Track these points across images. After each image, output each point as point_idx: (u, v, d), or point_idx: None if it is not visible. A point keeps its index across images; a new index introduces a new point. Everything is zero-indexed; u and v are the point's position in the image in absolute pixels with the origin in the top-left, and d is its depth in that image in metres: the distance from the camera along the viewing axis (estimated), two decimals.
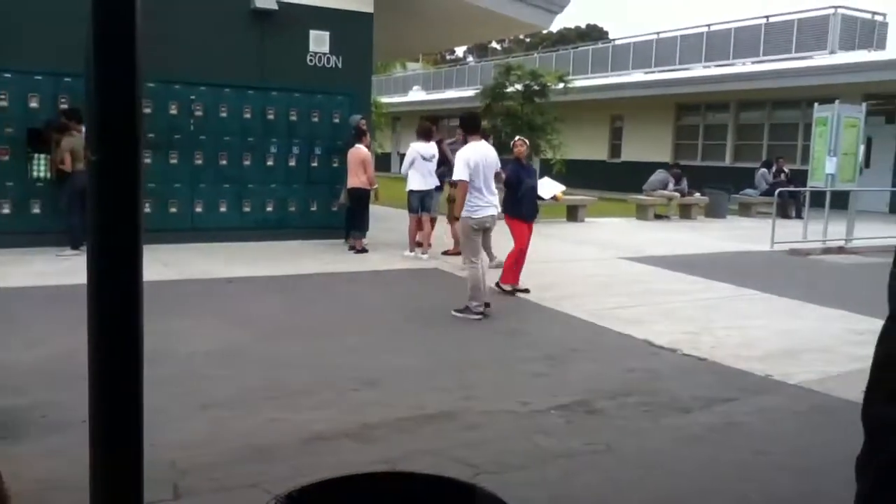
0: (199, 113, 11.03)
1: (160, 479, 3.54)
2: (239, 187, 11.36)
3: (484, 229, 7.34)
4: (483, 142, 7.55)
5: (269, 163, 11.54)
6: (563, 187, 11.07)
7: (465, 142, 9.86)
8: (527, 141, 8.89)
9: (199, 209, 11.15)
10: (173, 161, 10.91)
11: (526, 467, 3.91)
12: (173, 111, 10.86)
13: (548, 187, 10.52)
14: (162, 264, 9.04)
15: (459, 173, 7.09)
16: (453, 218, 10.57)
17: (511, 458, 4.02)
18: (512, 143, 8.83)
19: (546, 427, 4.48)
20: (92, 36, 1.44)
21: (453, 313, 7.11)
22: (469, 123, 7.65)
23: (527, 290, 8.22)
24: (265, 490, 3.28)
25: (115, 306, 1.53)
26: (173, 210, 10.97)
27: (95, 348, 1.52)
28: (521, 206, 8.11)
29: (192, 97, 10.99)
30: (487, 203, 7.19)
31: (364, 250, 10.65)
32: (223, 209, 11.29)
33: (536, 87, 20.29)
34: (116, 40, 1.45)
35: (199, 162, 11.08)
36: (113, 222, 1.51)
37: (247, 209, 11.44)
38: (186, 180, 11.04)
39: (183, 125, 10.95)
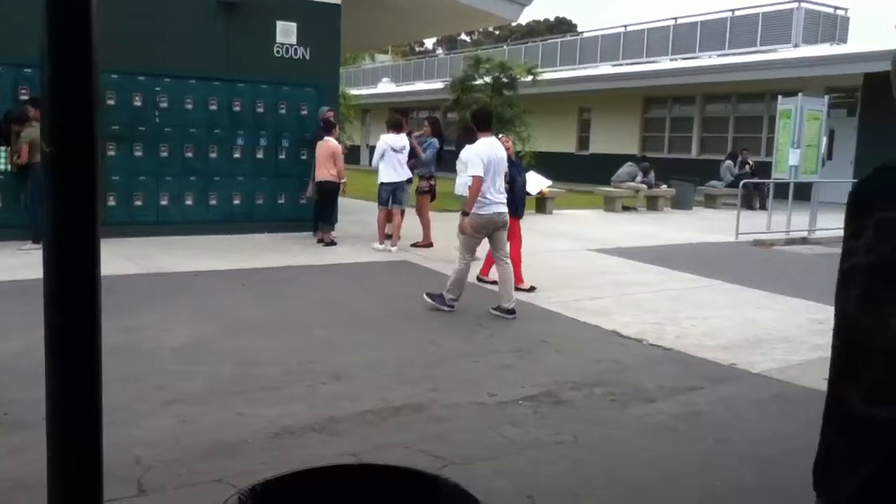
0: (164, 105, 10.88)
1: (124, 475, 3.51)
2: (205, 180, 11.23)
3: (495, 228, 7.06)
4: (493, 138, 7.37)
5: (236, 155, 11.42)
6: (549, 182, 11.09)
7: (465, 137, 9.80)
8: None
9: (164, 202, 11.01)
10: (138, 154, 10.76)
11: (493, 458, 3.94)
12: (137, 103, 10.70)
13: (534, 182, 10.49)
14: (126, 258, 8.92)
15: (475, 169, 6.84)
16: (423, 210, 10.58)
17: (478, 449, 4.04)
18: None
19: (514, 418, 4.51)
20: (46, 24, 1.41)
21: (425, 297, 7.11)
22: (481, 119, 7.43)
23: (532, 289, 8.14)
24: (230, 485, 3.26)
25: (72, 301, 1.50)
26: (138, 203, 10.83)
27: (52, 344, 1.50)
28: (514, 204, 7.83)
29: (157, 89, 10.83)
30: (496, 201, 6.99)
31: (333, 243, 10.61)
32: (189, 202, 11.16)
33: (505, 80, 20.31)
34: (71, 29, 1.43)
35: (165, 154, 10.94)
36: (69, 215, 1.48)
37: (213, 202, 11.32)
38: (152, 173, 10.89)
39: (148, 117, 10.79)
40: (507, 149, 8.30)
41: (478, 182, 6.85)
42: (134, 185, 10.74)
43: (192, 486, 3.46)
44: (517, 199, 8.11)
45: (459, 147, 9.92)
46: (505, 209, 7.10)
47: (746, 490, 3.73)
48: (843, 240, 1.21)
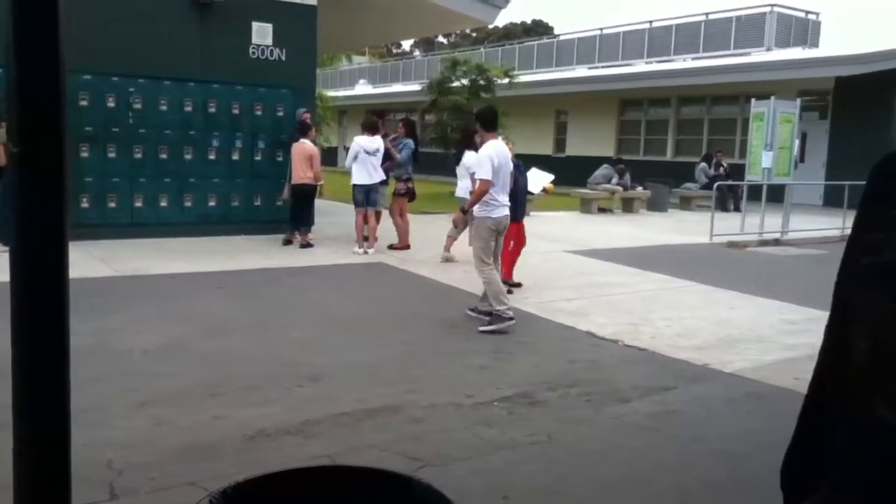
0: (137, 106, 10.78)
1: (95, 478, 3.47)
2: (180, 182, 11.14)
3: (498, 232, 6.92)
4: (500, 140, 7.18)
5: (211, 157, 11.34)
6: (551, 177, 10.93)
7: (465, 140, 9.88)
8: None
9: (138, 204, 10.91)
10: (111, 155, 10.65)
11: (469, 459, 3.95)
12: (111, 104, 10.59)
13: (537, 179, 10.28)
14: (100, 261, 8.83)
15: (484, 172, 6.63)
16: (402, 212, 10.56)
17: (454, 450, 4.05)
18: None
19: (489, 419, 4.52)
20: (11, 23, 1.40)
21: (481, 329, 6.54)
22: (488, 119, 7.15)
23: (519, 285, 8.27)
24: (204, 488, 3.24)
25: (40, 303, 1.49)
26: (112, 205, 10.72)
27: (19, 346, 1.48)
28: (515, 207, 7.64)
29: (131, 90, 10.73)
30: (503, 203, 6.81)
31: (309, 245, 10.57)
32: (164, 204, 11.07)
33: (482, 82, 20.38)
34: (37, 28, 1.41)
35: (139, 156, 10.83)
36: (36, 216, 1.47)
37: (188, 204, 11.23)
38: (125, 174, 10.79)
39: (121, 118, 10.69)
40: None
41: (486, 185, 6.64)
42: (107, 187, 10.63)
43: (166, 490, 3.43)
44: (518, 201, 7.99)
45: (459, 153, 9.93)
46: (508, 212, 6.97)
47: (720, 487, 3.77)
48: (859, 229, 1.08)
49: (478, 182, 6.79)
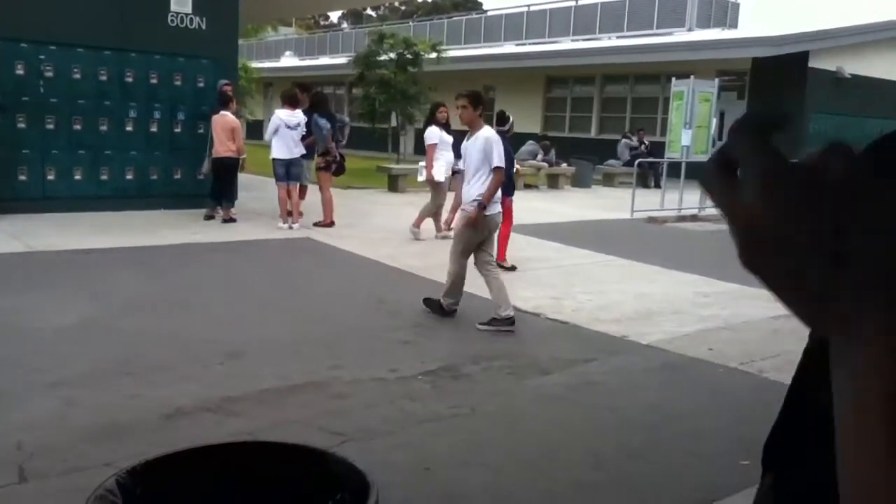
0: (49, 74, 10.30)
1: (4, 461, 3.37)
2: (95, 153, 10.73)
3: (490, 231, 6.20)
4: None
5: (129, 128, 10.95)
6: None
7: (431, 116, 10.01)
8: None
9: (51, 177, 10.47)
10: (21, 125, 10.18)
11: (392, 433, 3.97)
12: (20, 71, 10.10)
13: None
14: (10, 236, 8.47)
15: (498, 158, 5.92)
16: (323, 187, 10.42)
17: (378, 424, 4.07)
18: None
19: (413, 393, 4.55)
20: None
21: (479, 326, 5.91)
22: (482, 101, 6.31)
23: (513, 268, 8.17)
24: (120, 469, 3.17)
25: None
26: (23, 178, 10.27)
27: None
28: (507, 182, 7.11)
29: (42, 57, 10.24)
30: (499, 198, 6.20)
31: (232, 220, 10.36)
32: (78, 177, 10.65)
33: (410, 56, 20.23)
34: None
35: (51, 126, 10.38)
36: None
37: (105, 177, 10.84)
38: (37, 146, 10.33)
39: (31, 87, 10.20)
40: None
41: (502, 174, 6.05)
42: (17, 159, 10.17)
43: (79, 472, 3.33)
44: (509, 175, 7.65)
45: (458, 140, 9.85)
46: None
47: (634, 454, 3.90)
48: None
49: (486, 175, 5.92)
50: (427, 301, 6.30)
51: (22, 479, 3.28)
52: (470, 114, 6.07)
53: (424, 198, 13.56)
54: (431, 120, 10.01)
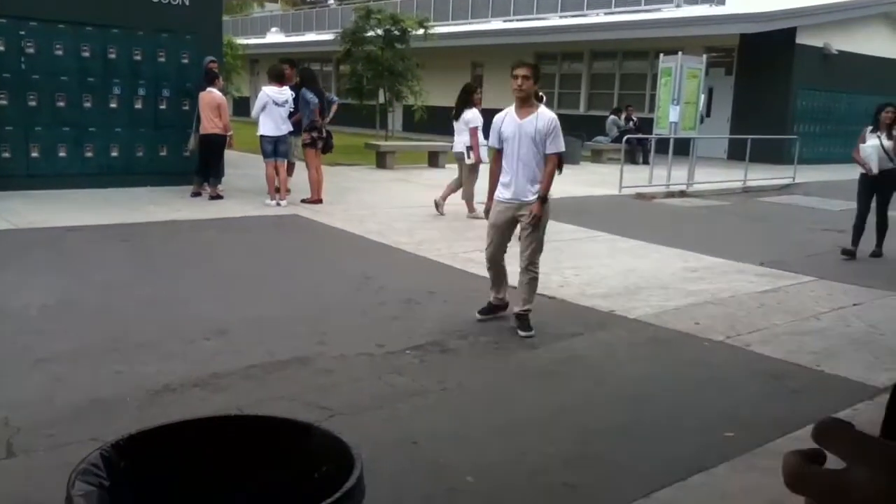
0: (30, 50, 10.15)
1: None
2: (79, 131, 10.61)
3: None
4: None
5: (113, 105, 10.82)
6: None
7: (465, 96, 10.00)
8: None
9: (35, 154, 10.36)
10: (2, 102, 10.05)
11: (380, 407, 3.98)
12: (0, 48, 9.95)
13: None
14: None
15: (562, 143, 5.39)
16: (311, 164, 10.35)
17: (365, 399, 4.07)
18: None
19: (401, 368, 4.56)
20: None
21: (522, 334, 5.25)
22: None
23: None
24: (104, 443, 3.16)
25: None
26: (6, 155, 10.15)
27: None
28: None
29: (22, 33, 10.08)
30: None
31: (219, 197, 10.30)
32: (62, 154, 10.54)
33: (397, 32, 20.04)
34: None
35: (34, 103, 10.25)
36: None
37: (89, 154, 10.73)
38: (19, 123, 10.21)
39: (12, 63, 10.05)
40: None
41: (558, 163, 5.55)
42: (0, 137, 10.06)
43: (66, 447, 3.33)
44: None
45: (459, 109, 9.85)
46: None
47: (619, 425, 3.93)
48: None
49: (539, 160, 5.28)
50: (519, 318, 5.32)
51: (10, 454, 3.28)
52: (531, 86, 5.31)
53: (412, 174, 13.55)
54: (468, 102, 9.95)
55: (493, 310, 5.59)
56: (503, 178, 5.35)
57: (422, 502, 3.08)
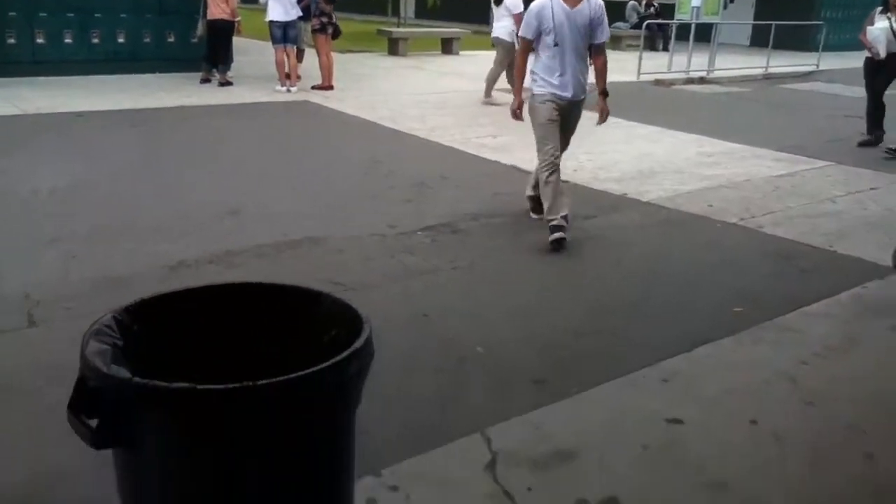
0: None
1: (14, 308, 3.46)
2: (84, 16, 10.38)
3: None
4: None
5: None
6: None
7: None
8: None
9: (40, 40, 10.17)
10: None
11: (392, 283, 4.02)
12: None
13: None
14: (2, 99, 8.31)
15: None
16: (321, 50, 10.12)
17: (377, 276, 4.11)
18: None
19: (412, 247, 4.58)
20: None
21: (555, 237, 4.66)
22: None
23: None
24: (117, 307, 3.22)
25: None
26: (11, 42, 9.99)
27: None
28: None
29: None
30: None
31: (229, 83, 10.14)
32: (68, 40, 10.35)
33: None
34: None
35: None
36: None
37: (95, 40, 10.52)
38: (23, 9, 10.00)
39: None
40: None
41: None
42: (4, 22, 9.86)
43: (85, 318, 3.34)
44: None
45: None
46: None
47: (630, 302, 3.96)
48: None
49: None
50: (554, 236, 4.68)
51: (31, 324, 3.36)
52: None
53: (425, 62, 13.27)
54: None
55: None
56: (551, 75, 4.82)
57: (432, 373, 3.14)
